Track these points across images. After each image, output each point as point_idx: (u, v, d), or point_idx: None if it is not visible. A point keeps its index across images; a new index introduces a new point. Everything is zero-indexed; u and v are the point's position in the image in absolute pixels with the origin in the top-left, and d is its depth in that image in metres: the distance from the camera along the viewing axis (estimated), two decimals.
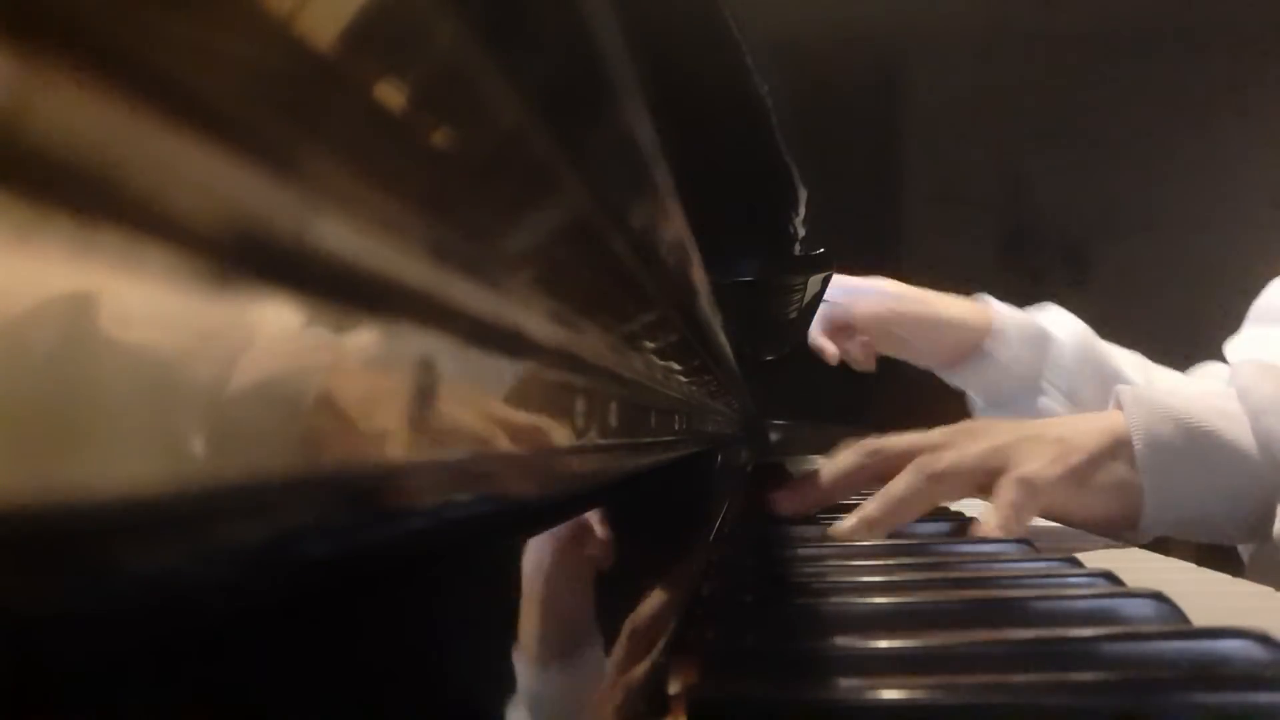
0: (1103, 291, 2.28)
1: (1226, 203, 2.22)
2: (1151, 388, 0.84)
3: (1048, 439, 0.72)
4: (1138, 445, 0.70)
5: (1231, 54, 2.24)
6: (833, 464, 0.77)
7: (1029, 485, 0.68)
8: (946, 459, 0.70)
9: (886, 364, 1.19)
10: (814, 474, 0.78)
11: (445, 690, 0.18)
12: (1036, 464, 0.69)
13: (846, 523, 0.68)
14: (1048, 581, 0.46)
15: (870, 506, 0.69)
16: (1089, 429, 0.72)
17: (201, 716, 0.11)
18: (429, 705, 0.17)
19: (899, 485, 0.70)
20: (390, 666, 0.16)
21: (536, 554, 0.24)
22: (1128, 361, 1.09)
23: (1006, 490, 0.68)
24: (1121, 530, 0.73)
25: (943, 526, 0.71)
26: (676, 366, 0.47)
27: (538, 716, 0.22)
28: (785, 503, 0.77)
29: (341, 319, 0.12)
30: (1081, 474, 0.70)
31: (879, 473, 0.73)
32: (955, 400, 1.16)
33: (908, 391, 1.10)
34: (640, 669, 0.28)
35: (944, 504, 0.76)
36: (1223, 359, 0.96)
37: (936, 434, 0.75)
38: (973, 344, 1.10)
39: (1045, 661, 0.31)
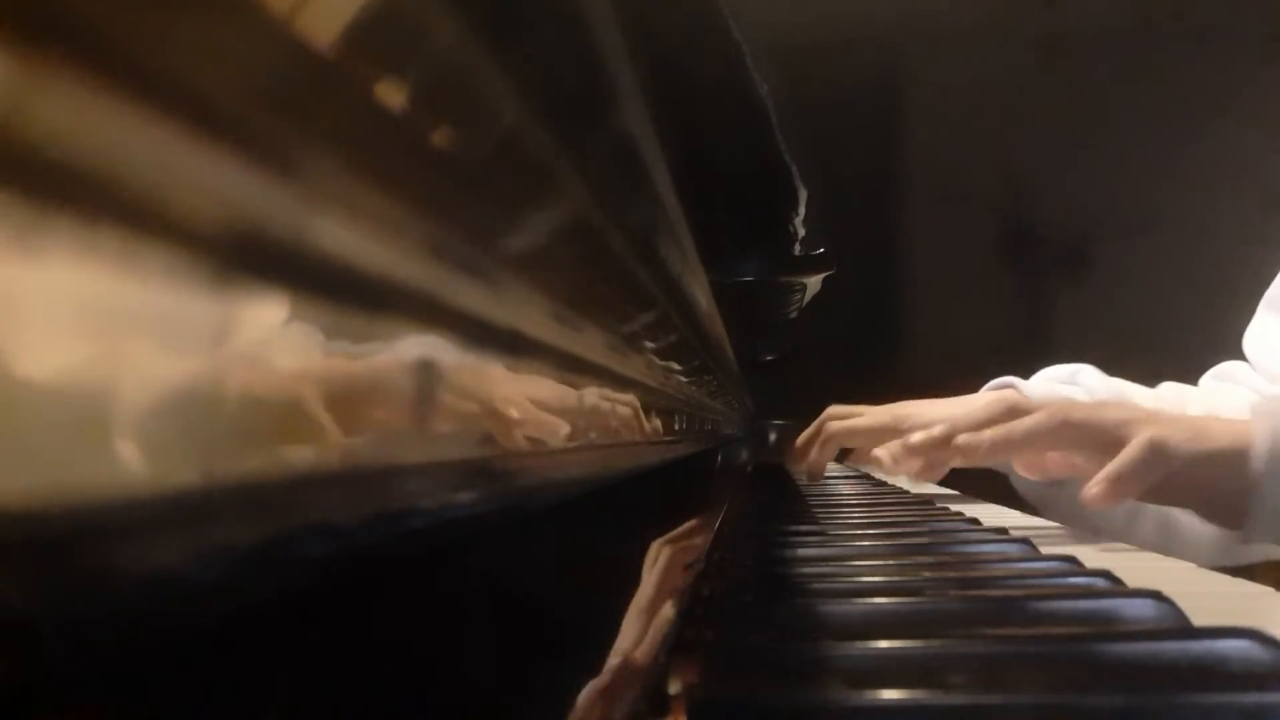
0: (1103, 291, 2.28)
1: (1227, 203, 2.22)
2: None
3: (1183, 423, 0.73)
4: (1261, 450, 0.72)
5: (1232, 54, 2.24)
6: (971, 413, 0.78)
7: (1160, 448, 0.69)
8: (1086, 409, 0.73)
9: (887, 363, 1.19)
10: (937, 430, 0.80)
11: (447, 691, 0.18)
12: (1169, 432, 0.70)
13: (963, 439, 0.72)
14: (1048, 581, 0.46)
15: (996, 430, 0.73)
16: (1224, 427, 0.74)
17: (201, 716, 0.11)
18: (430, 705, 0.17)
19: (1031, 419, 0.72)
20: (391, 666, 0.16)
21: None
22: (1155, 406, 1.09)
23: (1137, 448, 0.69)
24: (1222, 525, 0.75)
25: (946, 526, 0.71)
26: (676, 366, 0.47)
27: (538, 716, 0.22)
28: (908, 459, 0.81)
29: (341, 318, 0.12)
30: (1210, 461, 0.71)
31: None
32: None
33: (908, 391, 1.10)
34: (640, 669, 0.28)
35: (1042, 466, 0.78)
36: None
37: (1079, 402, 0.78)
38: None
39: (1045, 661, 0.31)
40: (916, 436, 0.81)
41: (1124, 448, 0.70)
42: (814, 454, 1.10)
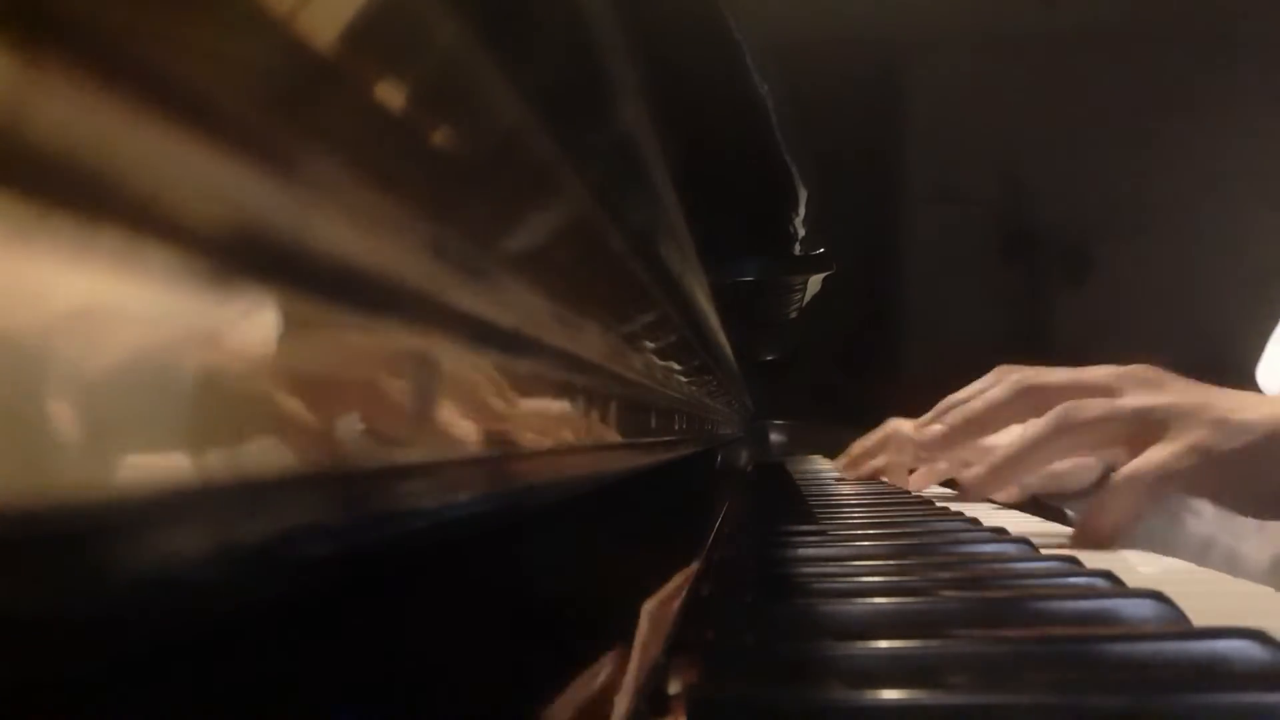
0: (1103, 291, 2.28)
1: (1227, 204, 2.22)
2: None
3: (1219, 410, 0.65)
4: None
5: (1233, 55, 2.24)
6: (979, 400, 0.73)
7: (1193, 453, 0.61)
8: (1097, 407, 0.65)
9: (887, 363, 1.19)
10: (964, 407, 0.74)
11: (448, 691, 0.18)
12: (1202, 435, 0.62)
13: (972, 473, 0.66)
14: (1048, 581, 0.46)
15: (998, 455, 0.66)
16: (1266, 411, 0.66)
17: (201, 716, 0.11)
18: (430, 706, 0.17)
19: (1035, 429, 0.66)
20: (391, 666, 0.16)
21: None
22: None
23: (1162, 451, 0.62)
24: (1264, 512, 0.68)
25: (946, 526, 0.71)
26: (676, 366, 0.47)
27: (538, 716, 0.22)
28: (929, 446, 0.75)
29: (341, 318, 0.12)
30: (1251, 455, 0.63)
31: (1032, 410, 0.69)
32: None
33: (908, 391, 1.10)
34: (640, 669, 0.28)
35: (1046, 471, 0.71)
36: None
37: (1099, 373, 0.69)
38: None
39: (1045, 661, 0.31)
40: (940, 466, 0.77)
41: (1147, 435, 0.63)
42: (887, 458, 1.07)
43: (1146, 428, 0.64)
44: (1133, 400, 0.66)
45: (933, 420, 0.83)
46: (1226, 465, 0.63)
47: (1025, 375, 0.74)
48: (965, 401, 0.80)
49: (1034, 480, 0.82)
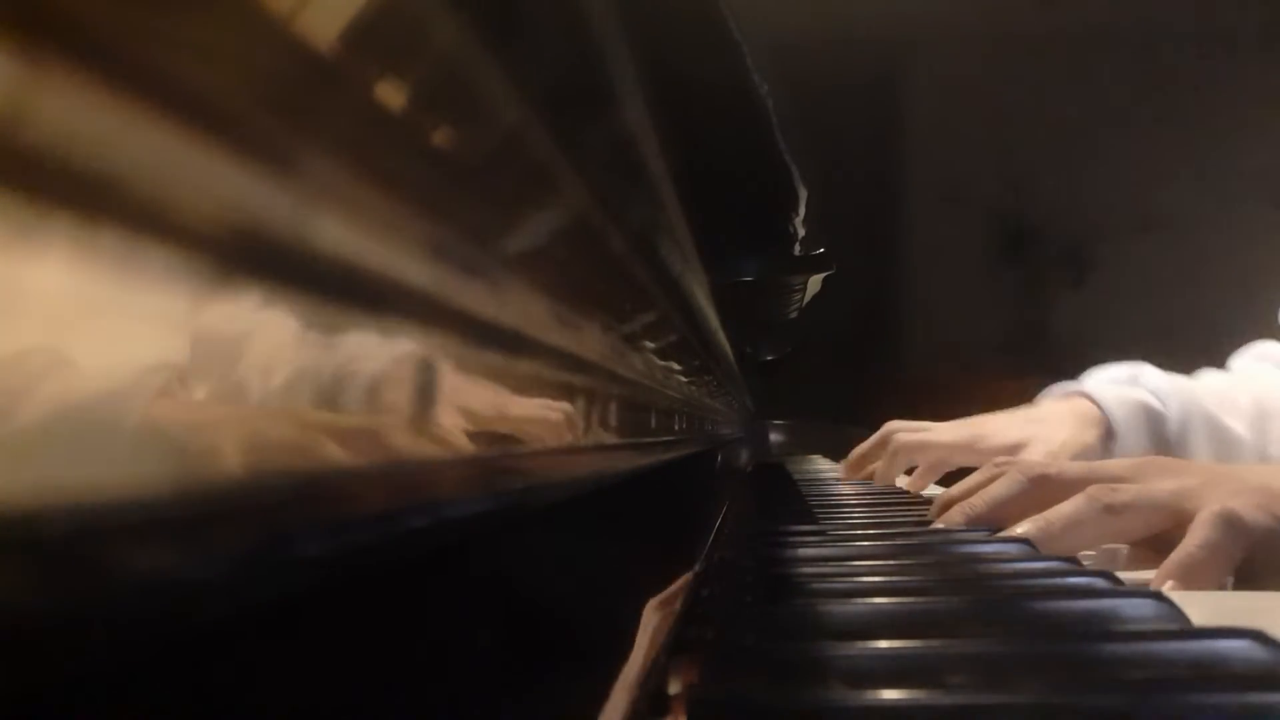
0: (1103, 291, 2.28)
1: (1226, 203, 2.22)
2: None
3: (1249, 484, 0.61)
4: None
5: (1232, 55, 2.24)
6: (987, 493, 0.67)
7: (1235, 524, 0.56)
8: (1129, 491, 0.61)
9: (887, 363, 1.19)
10: (965, 504, 0.68)
11: (445, 691, 0.18)
12: (1241, 503, 0.58)
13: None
14: (1047, 581, 0.46)
15: (1028, 527, 0.60)
16: None
17: (200, 716, 0.11)
18: (430, 706, 0.17)
19: (1068, 508, 0.60)
20: (391, 666, 0.16)
21: None
22: (1219, 403, 1.02)
23: (1206, 527, 0.56)
24: None
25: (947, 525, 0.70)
26: (676, 366, 0.47)
27: (539, 716, 0.22)
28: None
29: (341, 317, 0.12)
30: None
31: (1043, 503, 0.63)
32: (957, 401, 1.16)
33: (908, 391, 1.10)
34: (640, 669, 0.28)
35: (1104, 544, 0.63)
36: (1227, 358, 0.96)
37: (1115, 465, 0.66)
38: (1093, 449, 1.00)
39: (1045, 661, 0.31)
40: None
41: (1181, 521, 0.58)
42: (882, 466, 1.07)
43: (1181, 509, 0.60)
44: (1163, 483, 0.62)
45: (930, 462, 0.78)
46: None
47: (1033, 465, 0.69)
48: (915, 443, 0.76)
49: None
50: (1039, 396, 1.11)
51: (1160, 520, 0.60)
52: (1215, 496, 0.59)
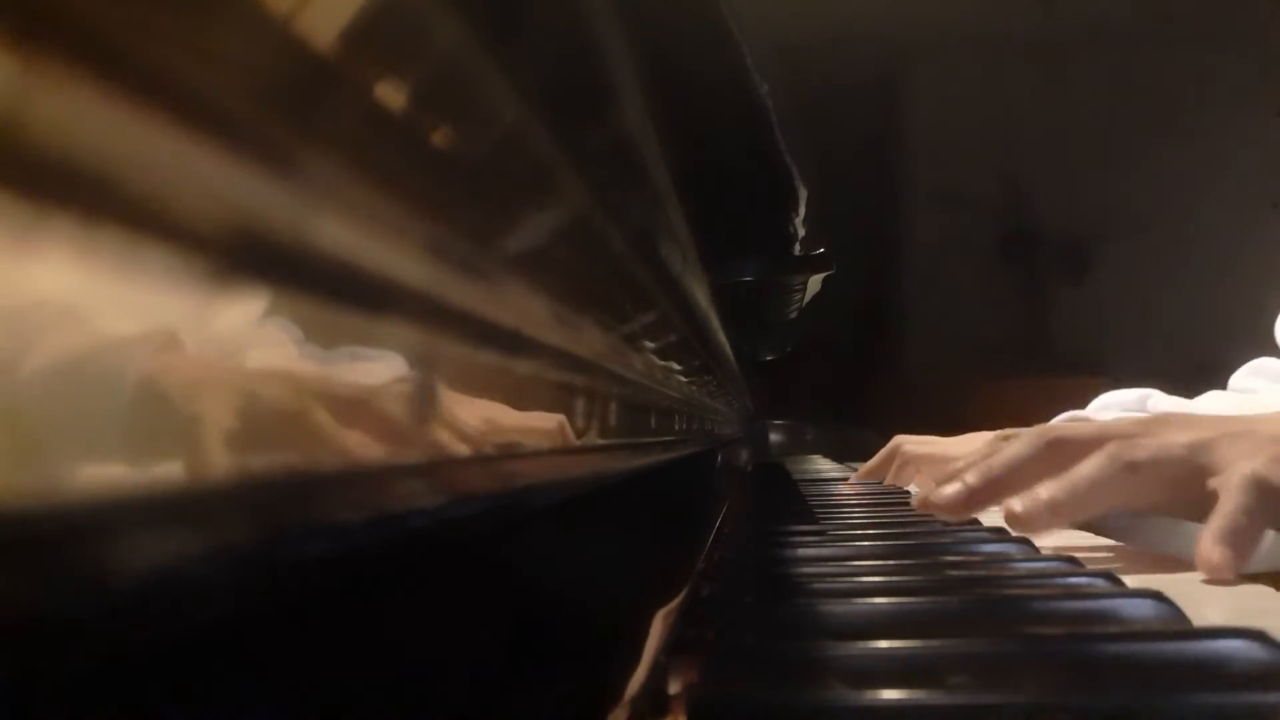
0: (1103, 291, 2.28)
1: (1226, 203, 2.22)
2: None
3: (1262, 435, 0.59)
4: None
5: (1232, 54, 2.24)
6: (1002, 454, 0.65)
7: (1263, 486, 0.54)
8: (1147, 447, 0.59)
9: (887, 363, 1.19)
10: (973, 466, 0.66)
11: (447, 691, 0.18)
12: (1261, 462, 0.56)
13: (1017, 506, 0.58)
14: (1047, 581, 0.46)
15: (1053, 488, 0.58)
16: None
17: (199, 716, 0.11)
18: (430, 705, 0.17)
19: (1088, 468, 0.59)
20: (392, 666, 0.16)
21: None
22: None
23: (1236, 492, 0.54)
24: None
25: (945, 526, 0.70)
26: (676, 366, 0.47)
27: (539, 716, 0.22)
28: (944, 503, 0.66)
29: (340, 317, 0.12)
30: None
31: (1059, 467, 0.61)
32: (956, 400, 1.16)
33: (908, 391, 1.10)
34: (640, 669, 0.28)
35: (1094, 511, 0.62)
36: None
37: (1125, 423, 0.64)
38: None
39: (1045, 661, 0.31)
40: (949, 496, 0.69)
41: (1198, 477, 0.57)
42: (890, 479, 1.08)
43: (1198, 465, 0.58)
44: (1177, 437, 0.60)
45: (940, 476, 0.75)
46: None
47: (1049, 427, 0.67)
48: (947, 458, 0.74)
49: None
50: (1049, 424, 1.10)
51: (1178, 475, 0.58)
52: (1233, 453, 0.57)
